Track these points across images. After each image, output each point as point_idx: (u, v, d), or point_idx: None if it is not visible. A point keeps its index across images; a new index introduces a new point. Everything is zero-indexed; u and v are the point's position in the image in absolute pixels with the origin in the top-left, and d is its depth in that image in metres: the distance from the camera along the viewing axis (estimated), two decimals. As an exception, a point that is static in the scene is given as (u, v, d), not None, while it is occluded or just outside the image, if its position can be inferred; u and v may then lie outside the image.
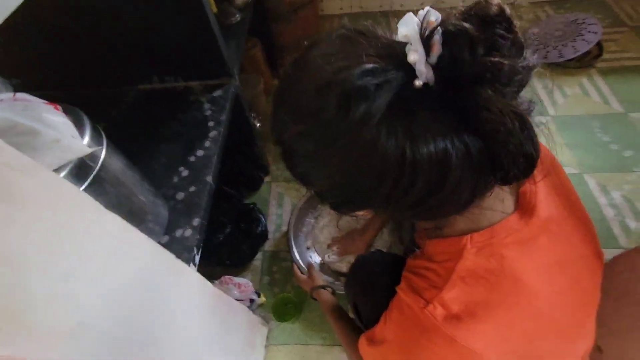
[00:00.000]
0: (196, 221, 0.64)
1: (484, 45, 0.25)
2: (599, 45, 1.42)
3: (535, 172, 0.41)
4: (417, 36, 0.26)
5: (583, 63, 1.41)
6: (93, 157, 0.46)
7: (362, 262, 0.70)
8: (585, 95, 1.36)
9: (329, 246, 1.05)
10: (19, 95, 0.43)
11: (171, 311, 0.49)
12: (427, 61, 0.26)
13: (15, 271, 0.25)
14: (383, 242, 1.03)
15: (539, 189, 0.40)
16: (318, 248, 1.05)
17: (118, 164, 0.52)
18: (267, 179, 1.25)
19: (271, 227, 1.14)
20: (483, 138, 0.27)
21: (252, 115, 1.12)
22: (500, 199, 0.39)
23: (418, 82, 0.27)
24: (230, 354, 0.74)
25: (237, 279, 0.91)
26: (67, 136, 0.40)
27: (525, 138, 0.27)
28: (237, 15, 1.03)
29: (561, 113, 1.32)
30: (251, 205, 1.09)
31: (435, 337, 0.36)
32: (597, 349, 0.76)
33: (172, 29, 0.77)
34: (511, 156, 0.27)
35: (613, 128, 1.25)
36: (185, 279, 0.53)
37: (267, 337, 0.94)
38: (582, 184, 1.13)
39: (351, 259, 0.99)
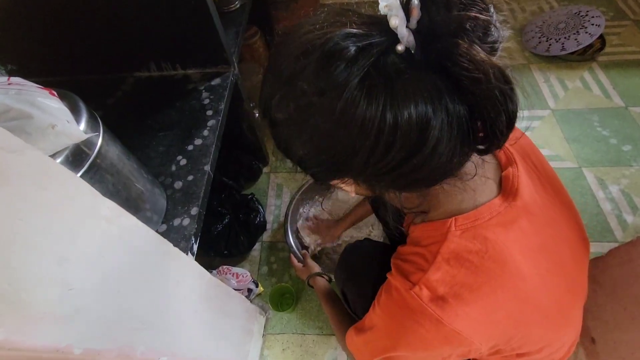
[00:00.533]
0: (194, 210, 0.64)
1: (459, 3, 0.27)
2: (601, 38, 1.41)
3: (516, 156, 0.41)
4: (397, 2, 0.27)
5: (585, 56, 1.40)
6: (89, 143, 0.46)
7: (350, 250, 0.70)
8: (587, 88, 1.35)
9: (299, 229, 1.06)
10: (14, 79, 0.42)
11: (167, 298, 0.49)
12: (407, 26, 0.27)
13: (8, 252, 0.25)
14: (379, 231, 1.03)
15: (521, 173, 0.40)
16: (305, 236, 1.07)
17: (115, 151, 0.51)
18: (265, 169, 1.25)
19: (269, 218, 1.14)
20: (464, 96, 0.28)
21: (252, 104, 1.11)
22: (483, 183, 0.40)
23: (400, 47, 0.28)
24: (227, 342, 0.74)
25: (235, 269, 0.91)
26: (62, 121, 0.39)
27: (505, 90, 0.27)
28: (237, 3, 1.02)
29: (561, 107, 1.31)
30: (250, 196, 1.09)
31: (422, 318, 0.37)
32: (591, 340, 0.77)
33: (170, 15, 0.76)
34: (493, 110, 0.28)
35: (613, 122, 1.25)
36: (182, 267, 0.53)
37: (265, 327, 0.95)
38: (580, 178, 1.14)
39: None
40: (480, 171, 0.37)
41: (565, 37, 1.39)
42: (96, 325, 0.34)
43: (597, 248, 0.98)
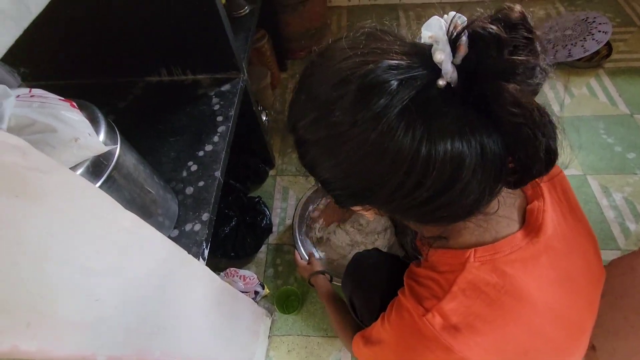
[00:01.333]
0: (205, 216, 0.66)
1: (509, 45, 0.26)
2: (608, 45, 1.41)
3: (544, 189, 0.41)
4: (445, 37, 0.27)
5: (592, 63, 1.40)
6: (107, 154, 0.47)
7: (359, 258, 0.71)
8: (593, 95, 1.35)
9: (313, 220, 1.07)
10: (36, 91, 0.44)
11: (180, 303, 0.50)
12: (452, 61, 0.27)
13: (35, 264, 0.26)
14: (384, 240, 1.04)
15: (547, 207, 0.40)
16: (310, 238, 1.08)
17: (131, 160, 0.53)
18: (272, 172, 1.26)
19: (275, 221, 1.16)
20: (504, 136, 0.28)
21: (260, 108, 1.12)
22: (507, 216, 0.39)
23: (442, 82, 0.28)
24: (235, 344, 0.76)
25: (242, 272, 0.92)
26: (84, 134, 0.40)
27: (550, 131, 0.27)
28: (246, 8, 1.03)
29: (567, 114, 1.31)
30: (256, 199, 1.11)
31: (433, 345, 0.37)
32: (591, 347, 0.79)
33: (181, 21, 0.77)
34: (534, 151, 0.28)
35: (618, 130, 1.25)
36: (194, 273, 0.54)
37: (270, 328, 0.97)
38: (585, 185, 1.14)
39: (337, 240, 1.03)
40: (504, 205, 0.37)
41: (572, 44, 1.39)
42: (118, 333, 0.35)
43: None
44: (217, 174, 0.72)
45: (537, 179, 0.31)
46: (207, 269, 0.58)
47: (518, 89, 0.26)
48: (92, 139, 0.41)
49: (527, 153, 0.28)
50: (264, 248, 1.11)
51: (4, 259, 0.24)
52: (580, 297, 0.43)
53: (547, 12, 1.64)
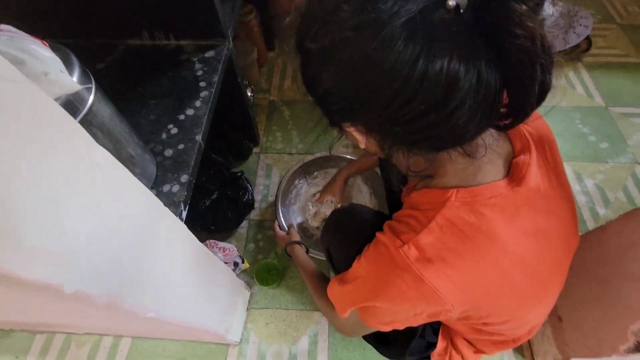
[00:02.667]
0: (184, 178, 0.64)
1: None
2: (588, 39, 1.45)
3: (532, 145, 0.42)
4: None
5: (571, 56, 1.44)
6: (81, 99, 0.45)
7: (343, 211, 0.71)
8: (571, 87, 1.40)
9: (313, 196, 1.08)
10: (4, 26, 0.41)
11: (157, 257, 0.49)
12: None
13: (3, 182, 0.25)
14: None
15: (532, 162, 0.41)
16: (301, 209, 1.08)
17: (106, 110, 0.51)
18: (256, 150, 1.25)
19: (258, 197, 1.15)
20: (503, 64, 0.28)
21: (245, 82, 1.10)
22: (492, 164, 0.41)
23: (452, 2, 0.28)
24: (212, 310, 0.75)
25: (221, 244, 0.92)
26: (55, 70, 0.39)
27: (546, 62, 0.28)
28: (233, -24, 1.00)
29: (546, 103, 1.35)
30: (239, 174, 1.09)
31: (405, 274, 0.39)
32: (558, 318, 0.82)
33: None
34: (529, 81, 0.28)
35: (593, 120, 1.30)
36: (172, 229, 0.53)
37: (249, 301, 0.97)
38: (559, 172, 1.18)
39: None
40: (491, 151, 0.38)
41: (554, 36, 1.43)
42: (88, 271, 0.34)
43: (570, 237, 1.03)
44: (198, 137, 0.70)
45: (524, 121, 0.32)
46: (186, 228, 0.57)
47: (526, 10, 0.26)
48: (64, 75, 0.39)
49: (523, 85, 0.29)
50: (245, 223, 1.10)
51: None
52: (552, 256, 0.45)
53: (532, 6, 1.68)
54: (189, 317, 0.62)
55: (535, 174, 0.42)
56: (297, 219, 1.07)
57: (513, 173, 0.41)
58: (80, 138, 0.33)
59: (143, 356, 0.91)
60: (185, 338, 0.90)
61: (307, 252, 0.89)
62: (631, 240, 0.64)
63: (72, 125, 0.32)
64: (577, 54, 1.44)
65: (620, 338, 0.65)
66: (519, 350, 0.90)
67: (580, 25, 1.41)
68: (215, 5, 0.78)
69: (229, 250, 0.90)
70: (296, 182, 1.11)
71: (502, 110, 0.32)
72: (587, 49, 1.45)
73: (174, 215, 0.52)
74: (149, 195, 0.45)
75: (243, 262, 0.97)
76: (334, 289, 0.52)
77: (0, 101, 0.24)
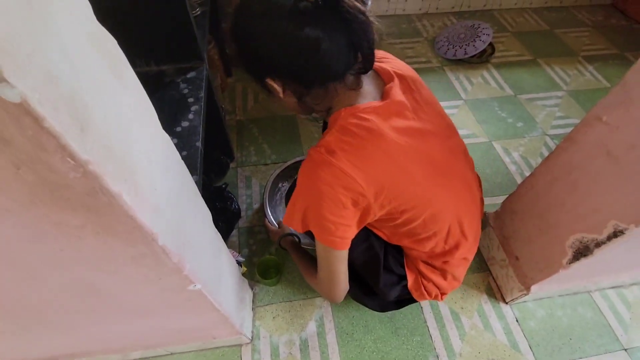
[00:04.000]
0: (195, 177, 0.71)
1: None
2: (491, 45, 1.80)
3: (396, 78, 0.64)
4: None
5: (482, 59, 1.78)
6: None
7: None
8: (486, 83, 1.71)
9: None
10: None
11: (192, 224, 0.54)
12: None
13: (127, 138, 0.33)
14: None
15: (395, 85, 0.62)
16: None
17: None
18: (232, 165, 1.32)
19: (243, 207, 1.21)
20: (346, 30, 0.50)
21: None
22: (369, 93, 0.61)
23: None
24: (232, 295, 0.80)
25: (220, 248, 0.96)
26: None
27: (367, 24, 0.51)
28: (198, 9, 1.11)
29: (470, 97, 1.64)
30: (223, 186, 1.16)
31: (322, 164, 0.55)
32: (515, 258, 1.00)
33: (147, 14, 0.83)
34: (363, 37, 0.51)
35: (507, 107, 1.61)
36: (198, 203, 0.60)
37: (253, 301, 1.01)
38: (491, 149, 1.44)
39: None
40: (367, 85, 0.61)
41: (466, 45, 1.76)
42: (169, 228, 0.41)
43: (511, 197, 1.25)
44: (198, 144, 0.78)
45: (372, 63, 0.57)
46: (205, 206, 0.64)
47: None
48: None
49: (359, 38, 0.51)
50: (235, 232, 1.16)
51: (121, 125, 0.31)
52: (436, 150, 0.63)
53: (444, 22, 2.03)
54: (220, 296, 0.67)
55: (398, 93, 0.61)
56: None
57: (383, 96, 0.62)
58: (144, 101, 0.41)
59: (154, 376, 0.90)
60: (196, 341, 0.91)
61: (299, 242, 0.98)
62: (553, 177, 0.85)
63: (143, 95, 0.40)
64: (485, 57, 1.78)
65: (562, 253, 0.83)
66: (491, 294, 1.07)
67: (484, 34, 1.76)
68: (195, 32, 0.88)
69: (231, 252, 0.95)
70: (279, 185, 1.21)
71: (359, 60, 0.55)
72: (492, 53, 1.80)
73: (199, 193, 0.60)
74: (183, 167, 0.52)
75: (241, 266, 1.02)
76: (293, 219, 0.63)
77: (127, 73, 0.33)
